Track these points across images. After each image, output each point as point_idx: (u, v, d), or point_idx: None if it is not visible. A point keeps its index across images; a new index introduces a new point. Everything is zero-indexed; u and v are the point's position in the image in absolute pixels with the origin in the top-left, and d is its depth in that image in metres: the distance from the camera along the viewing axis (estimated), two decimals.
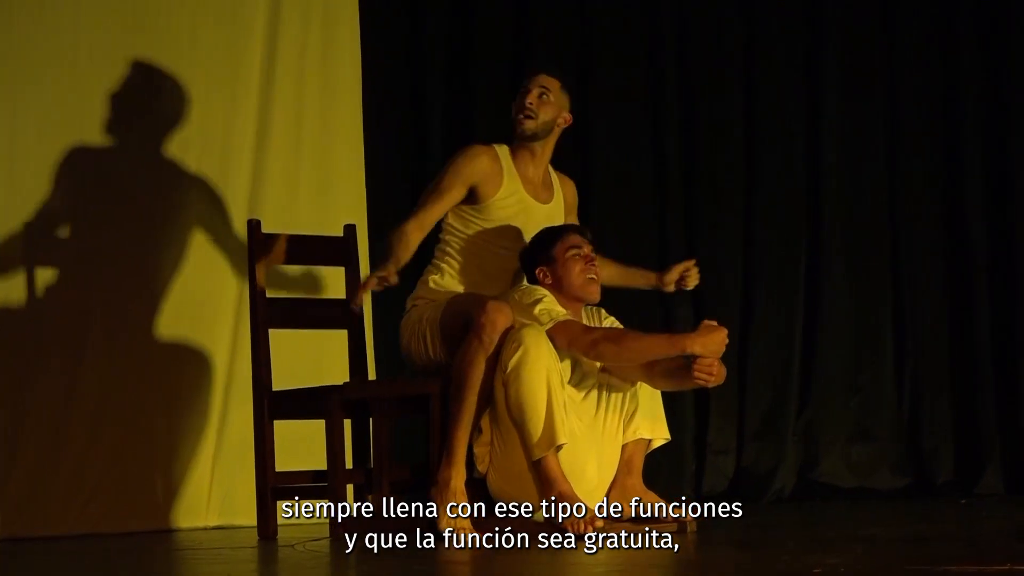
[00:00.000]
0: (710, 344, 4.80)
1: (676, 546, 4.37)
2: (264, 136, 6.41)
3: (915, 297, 7.18)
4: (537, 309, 4.94)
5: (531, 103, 5.28)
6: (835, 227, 7.12)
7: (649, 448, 5.13)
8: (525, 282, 5.20)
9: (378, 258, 5.31)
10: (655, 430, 5.10)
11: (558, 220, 5.36)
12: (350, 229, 5.83)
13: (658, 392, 5.13)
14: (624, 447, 5.08)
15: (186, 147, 6.26)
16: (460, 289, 5.24)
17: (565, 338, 4.91)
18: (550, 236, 5.16)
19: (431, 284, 5.28)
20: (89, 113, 6.09)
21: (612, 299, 5.51)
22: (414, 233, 5.15)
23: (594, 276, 5.10)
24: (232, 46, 6.38)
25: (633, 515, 5.05)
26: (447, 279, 5.27)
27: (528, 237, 5.26)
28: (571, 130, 6.59)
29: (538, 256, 5.14)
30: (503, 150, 5.33)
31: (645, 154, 7.04)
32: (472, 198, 5.26)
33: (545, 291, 5.03)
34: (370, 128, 6.64)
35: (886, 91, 7.22)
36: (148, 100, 6.21)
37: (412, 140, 6.82)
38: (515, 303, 5.00)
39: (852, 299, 7.14)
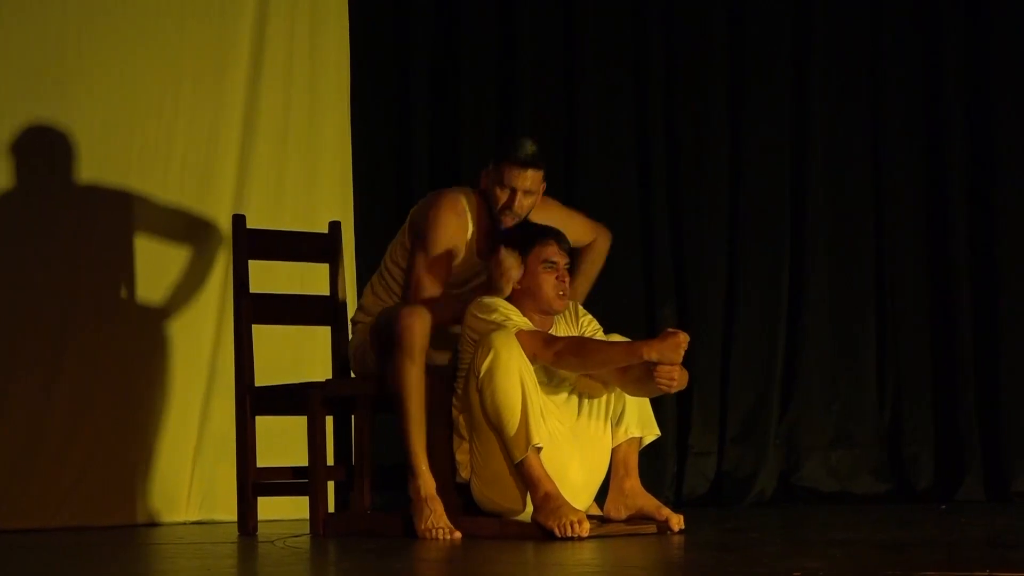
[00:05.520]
0: (665, 350, 4.80)
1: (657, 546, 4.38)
2: (250, 132, 6.40)
3: (897, 303, 7.19)
4: (499, 319, 4.93)
5: (520, 210, 5.15)
6: (818, 233, 7.12)
7: (641, 445, 5.13)
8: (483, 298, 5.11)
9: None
10: (645, 427, 5.09)
11: None
12: (335, 226, 5.82)
13: None
14: (617, 449, 5.08)
15: (172, 141, 6.25)
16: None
17: (529, 349, 4.90)
18: (526, 241, 5.08)
19: (368, 303, 5.29)
20: (76, 105, 6.08)
21: (597, 298, 5.51)
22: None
23: (564, 292, 5.07)
24: (219, 41, 6.37)
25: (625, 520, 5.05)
26: (385, 298, 5.27)
27: (462, 276, 5.21)
28: (557, 138, 6.61)
29: None
30: (470, 199, 5.22)
31: (630, 160, 7.03)
32: None
33: (503, 303, 5.00)
34: (357, 125, 6.63)
35: (871, 99, 7.23)
36: (135, 94, 6.20)
37: (399, 138, 6.81)
38: (473, 318, 4.98)
39: (834, 304, 7.14)
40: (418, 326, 4.93)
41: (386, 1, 6.84)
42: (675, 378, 4.85)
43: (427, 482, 4.95)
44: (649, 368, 4.84)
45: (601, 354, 4.90)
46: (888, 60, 7.24)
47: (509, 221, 5.14)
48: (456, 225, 5.16)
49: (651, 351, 4.80)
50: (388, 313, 5.12)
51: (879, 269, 7.20)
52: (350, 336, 5.46)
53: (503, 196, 5.13)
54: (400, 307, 5.02)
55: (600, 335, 5.11)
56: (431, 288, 5.12)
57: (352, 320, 5.42)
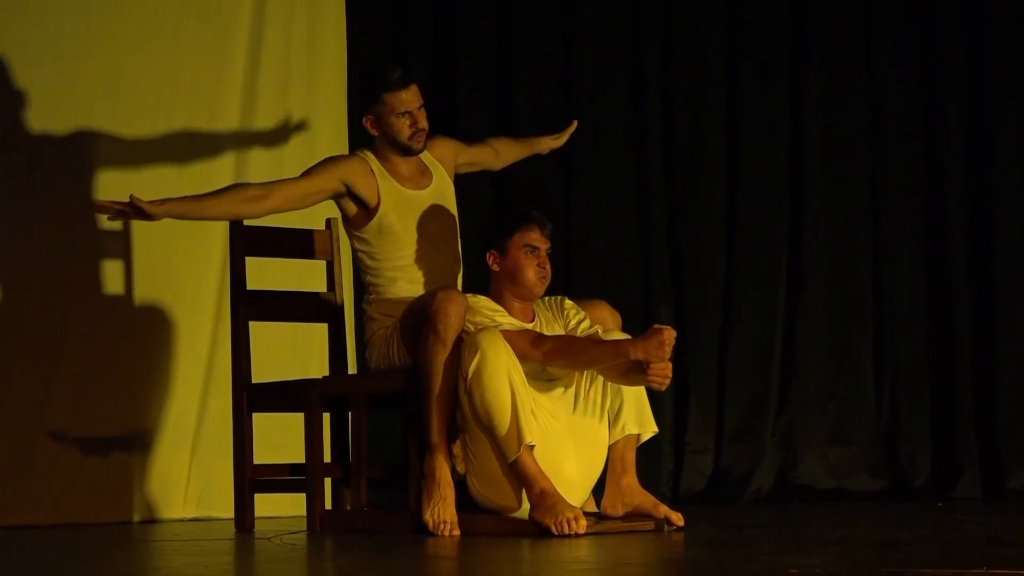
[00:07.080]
0: (651, 348, 4.81)
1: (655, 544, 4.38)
2: (248, 129, 6.40)
3: (894, 301, 7.18)
4: (484, 321, 4.94)
5: (424, 125, 5.28)
6: (816, 232, 7.12)
7: (639, 442, 5.13)
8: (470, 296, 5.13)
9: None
10: (643, 424, 5.09)
11: (447, 194, 5.36)
12: (332, 223, 5.82)
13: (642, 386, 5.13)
14: (614, 445, 5.08)
15: (170, 140, 6.25)
16: (410, 296, 5.23)
17: (518, 349, 4.91)
18: (509, 223, 5.12)
19: (384, 299, 5.26)
20: (73, 104, 6.08)
21: (595, 294, 5.50)
22: (254, 195, 5.18)
23: (545, 276, 5.09)
24: (217, 39, 6.38)
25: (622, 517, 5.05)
26: (395, 290, 5.25)
27: (420, 228, 5.25)
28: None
29: (492, 239, 5.12)
30: (367, 156, 5.31)
31: (628, 161, 7.03)
32: (359, 216, 5.26)
33: (487, 304, 5.02)
34: (354, 123, 6.62)
35: (870, 99, 7.22)
36: (131, 92, 6.20)
37: None
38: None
39: (832, 303, 7.14)
40: (452, 310, 4.92)
41: (384, 1, 6.84)
42: (668, 375, 4.86)
43: (443, 464, 4.94)
44: (640, 363, 4.85)
45: (589, 354, 4.92)
46: (887, 60, 7.23)
47: (421, 142, 5.27)
48: (348, 162, 5.26)
49: (637, 350, 4.82)
50: (418, 298, 5.12)
51: (877, 268, 7.19)
52: (349, 331, 5.43)
53: (404, 123, 5.25)
54: (436, 290, 5.01)
55: (587, 322, 5.13)
56: (291, 181, 5.23)
57: (366, 316, 5.38)
